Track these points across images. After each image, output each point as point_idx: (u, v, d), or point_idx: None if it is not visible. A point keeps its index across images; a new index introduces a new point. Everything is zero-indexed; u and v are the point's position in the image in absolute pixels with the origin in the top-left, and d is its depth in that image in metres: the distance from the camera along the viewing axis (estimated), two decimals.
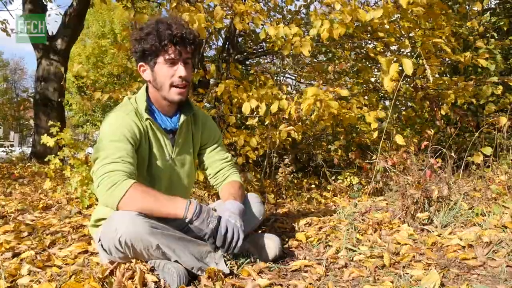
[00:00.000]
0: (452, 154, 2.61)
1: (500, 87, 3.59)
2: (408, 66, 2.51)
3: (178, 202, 1.44)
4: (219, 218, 1.45)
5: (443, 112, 3.56)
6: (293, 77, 4.92)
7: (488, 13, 4.61)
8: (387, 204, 2.50)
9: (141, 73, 1.64)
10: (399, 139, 2.84)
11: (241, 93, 3.05)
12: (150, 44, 1.54)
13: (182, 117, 1.69)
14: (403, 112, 4.38)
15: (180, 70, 1.57)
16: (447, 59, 3.68)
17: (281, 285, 1.42)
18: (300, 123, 3.23)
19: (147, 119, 1.60)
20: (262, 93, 2.96)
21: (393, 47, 3.92)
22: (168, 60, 1.56)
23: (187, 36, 1.57)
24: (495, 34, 4.56)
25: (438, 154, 2.68)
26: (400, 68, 2.77)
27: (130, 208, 1.40)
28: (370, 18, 2.71)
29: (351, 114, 2.96)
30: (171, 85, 1.58)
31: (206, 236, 1.42)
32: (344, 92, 2.86)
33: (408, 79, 3.95)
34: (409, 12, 3.06)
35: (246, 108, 2.90)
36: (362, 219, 2.26)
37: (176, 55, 1.56)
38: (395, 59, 2.65)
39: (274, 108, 2.87)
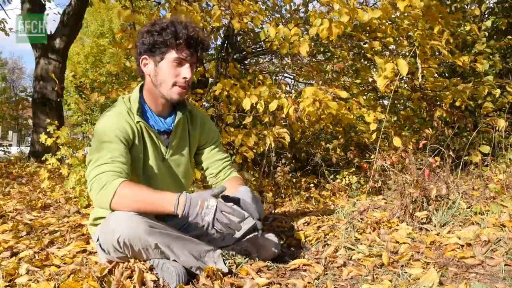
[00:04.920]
0: (451, 153, 2.62)
1: (498, 90, 3.60)
2: (403, 67, 2.51)
3: (167, 199, 1.38)
4: (216, 208, 1.33)
5: (439, 113, 3.57)
6: (292, 77, 4.92)
7: (489, 20, 4.61)
8: (385, 203, 2.51)
9: (142, 66, 1.61)
10: (396, 141, 2.84)
11: (239, 92, 3.05)
12: (164, 38, 1.52)
13: (177, 118, 1.67)
14: (402, 112, 4.39)
15: (187, 71, 1.56)
16: (446, 60, 3.68)
17: (279, 284, 1.42)
18: (298, 122, 3.23)
19: (138, 121, 1.58)
20: (261, 91, 2.95)
21: (392, 47, 3.92)
22: (177, 58, 1.55)
23: (201, 41, 1.58)
24: (487, 33, 4.55)
25: (436, 153, 2.69)
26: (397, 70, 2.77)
27: (122, 208, 1.39)
28: (368, 18, 2.71)
29: (350, 117, 2.96)
30: (174, 84, 1.57)
31: (205, 229, 1.33)
32: (343, 94, 2.86)
33: (407, 79, 3.96)
34: (406, 14, 3.06)
35: (246, 104, 2.89)
36: (361, 218, 2.26)
37: (187, 56, 1.56)
38: (391, 60, 2.65)
39: (272, 106, 2.87)
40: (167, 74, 1.56)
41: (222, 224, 1.32)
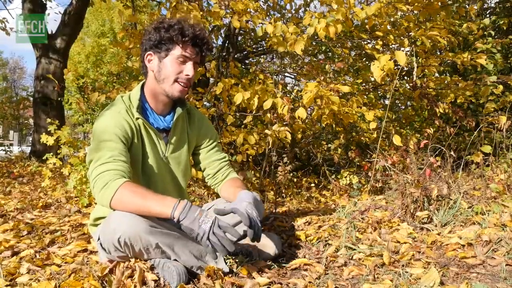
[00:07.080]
0: (452, 153, 2.61)
1: (501, 86, 3.59)
2: (402, 57, 2.52)
3: (166, 202, 1.37)
4: (215, 220, 1.34)
5: (441, 111, 3.56)
6: (293, 76, 4.92)
7: (488, 19, 4.60)
8: (386, 202, 2.50)
9: (146, 62, 1.63)
10: (396, 140, 2.84)
11: (240, 92, 3.04)
12: (171, 34, 1.55)
13: (177, 114, 1.68)
14: (402, 111, 4.38)
15: (189, 69, 1.59)
16: (447, 59, 3.67)
17: (280, 283, 1.42)
18: (299, 122, 3.22)
19: (137, 118, 1.58)
20: (257, 88, 2.94)
21: (393, 46, 3.92)
22: (181, 56, 1.57)
23: (206, 41, 1.61)
24: (492, 33, 4.55)
25: (437, 153, 2.68)
26: (398, 67, 2.76)
27: (121, 208, 1.38)
28: (364, 15, 2.72)
29: (352, 111, 2.96)
30: (175, 81, 1.59)
31: (199, 238, 1.31)
32: (345, 88, 2.86)
33: (408, 78, 3.96)
34: (407, 12, 3.06)
35: (237, 98, 2.88)
36: (362, 218, 2.26)
37: (192, 54, 1.58)
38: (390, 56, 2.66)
39: (267, 104, 2.86)
40: (171, 70, 1.58)
41: (218, 236, 1.30)
